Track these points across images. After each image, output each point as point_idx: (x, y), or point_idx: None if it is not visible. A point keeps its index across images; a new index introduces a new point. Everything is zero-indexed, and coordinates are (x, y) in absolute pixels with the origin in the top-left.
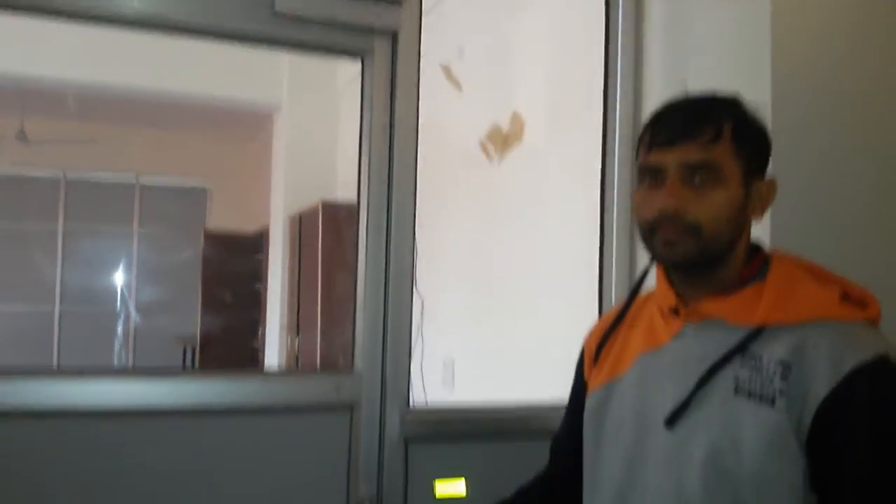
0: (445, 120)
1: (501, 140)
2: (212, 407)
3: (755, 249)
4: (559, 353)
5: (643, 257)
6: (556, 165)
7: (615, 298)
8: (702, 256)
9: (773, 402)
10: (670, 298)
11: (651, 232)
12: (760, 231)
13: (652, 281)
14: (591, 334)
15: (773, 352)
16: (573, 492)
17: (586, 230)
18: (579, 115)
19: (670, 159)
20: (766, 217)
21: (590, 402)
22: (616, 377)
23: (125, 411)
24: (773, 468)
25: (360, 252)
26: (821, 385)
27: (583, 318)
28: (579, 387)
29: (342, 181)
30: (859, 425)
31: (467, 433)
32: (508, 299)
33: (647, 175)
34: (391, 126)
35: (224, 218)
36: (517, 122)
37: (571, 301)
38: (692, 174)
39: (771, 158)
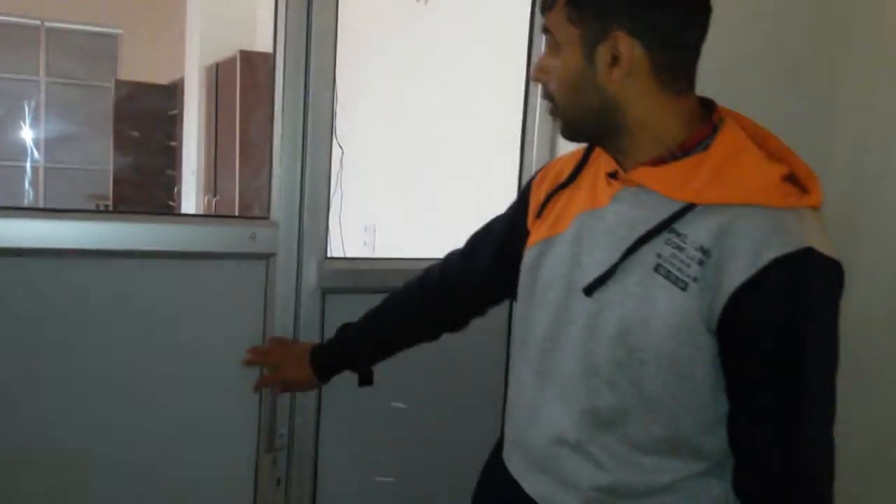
0: None
1: None
2: (123, 249)
3: (709, 111)
4: (481, 218)
5: None
6: (485, 15)
7: (535, 163)
8: (575, 128)
9: (685, 287)
10: (610, 162)
11: None
12: None
13: None
14: (543, 181)
15: (697, 233)
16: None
17: (512, 87)
18: None
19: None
20: None
21: (526, 257)
22: (554, 234)
23: (35, 250)
24: (677, 352)
25: (276, 100)
26: (736, 275)
27: (504, 183)
28: (515, 220)
29: (262, 30)
30: (769, 309)
31: (385, 285)
32: (431, 160)
33: None
34: None
35: (137, 67)
36: None
37: (495, 164)
38: (548, 40)
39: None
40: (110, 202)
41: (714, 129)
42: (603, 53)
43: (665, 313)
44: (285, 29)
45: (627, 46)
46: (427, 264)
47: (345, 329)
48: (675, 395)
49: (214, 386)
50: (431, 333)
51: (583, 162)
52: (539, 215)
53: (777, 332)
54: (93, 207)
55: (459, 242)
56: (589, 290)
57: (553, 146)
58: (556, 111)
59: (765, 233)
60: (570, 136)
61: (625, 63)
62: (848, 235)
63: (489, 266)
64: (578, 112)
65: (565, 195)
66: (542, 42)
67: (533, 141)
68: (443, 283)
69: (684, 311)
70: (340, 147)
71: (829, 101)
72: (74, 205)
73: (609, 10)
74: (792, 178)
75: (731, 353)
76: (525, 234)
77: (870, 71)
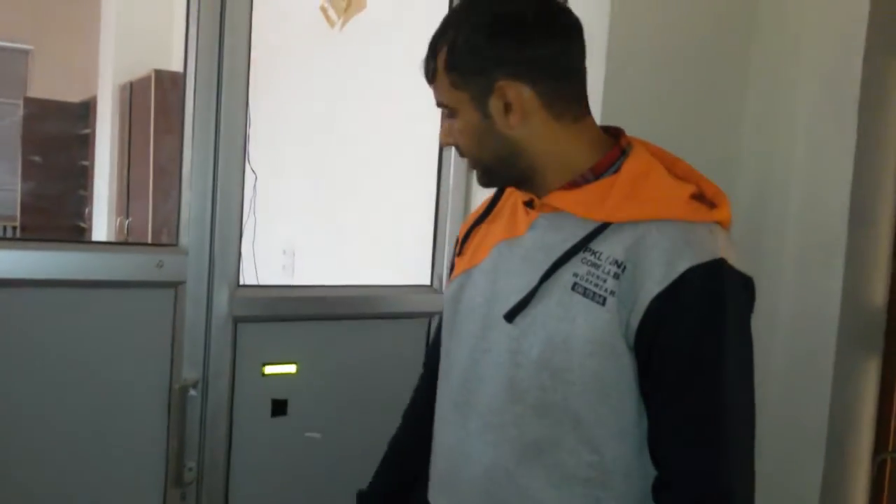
0: None
1: (344, 5)
2: (30, 278)
3: (616, 138)
4: (400, 239)
5: None
6: (400, 38)
7: (452, 189)
8: (490, 177)
9: (603, 301)
10: (525, 192)
11: None
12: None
13: None
14: (462, 227)
15: (612, 249)
16: None
17: (429, 112)
18: None
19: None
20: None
21: (447, 290)
22: (473, 265)
23: None
24: (600, 369)
25: (186, 121)
26: (651, 286)
27: (422, 206)
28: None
29: (177, 49)
30: (685, 317)
31: (300, 312)
32: (350, 186)
33: None
34: None
35: (47, 84)
36: None
37: (413, 190)
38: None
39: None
40: (18, 224)
41: (623, 153)
42: (495, 105)
43: (585, 329)
44: (196, 48)
45: (515, 91)
46: (346, 292)
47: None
48: (600, 416)
49: (122, 418)
50: None
51: (497, 196)
52: (459, 253)
53: (693, 340)
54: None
55: (380, 266)
56: (510, 316)
57: (468, 173)
58: (472, 164)
59: (677, 244)
60: (487, 183)
61: (517, 107)
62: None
63: None
64: (491, 162)
65: (482, 229)
66: None
67: (449, 165)
68: (428, 380)
69: (603, 324)
70: (254, 172)
71: (735, 134)
72: None
73: (485, 64)
74: (700, 197)
75: (649, 367)
76: None
77: (768, 103)
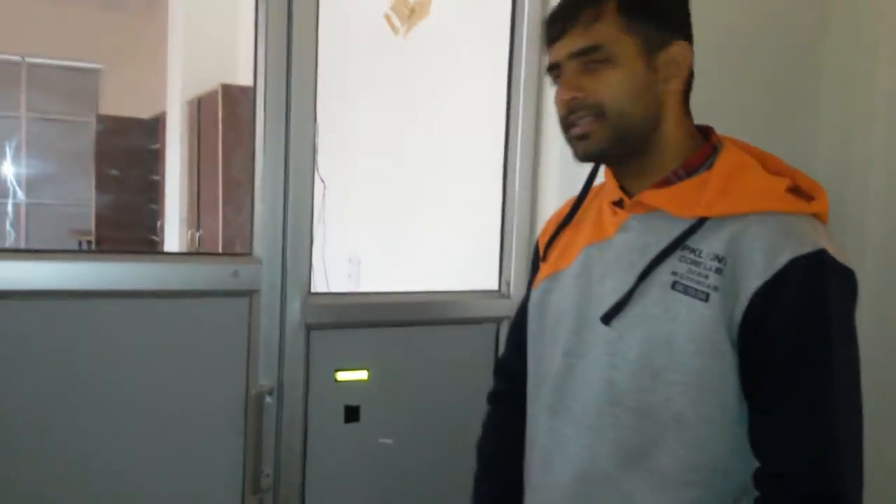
0: None
1: (407, 12)
2: (107, 289)
3: (705, 136)
4: (466, 249)
5: (549, 150)
6: (464, 45)
7: (519, 193)
8: (618, 142)
9: (706, 297)
10: (615, 191)
11: (566, 130)
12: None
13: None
14: (543, 232)
15: (711, 245)
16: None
17: (494, 118)
18: None
19: (561, 52)
20: None
21: (533, 296)
22: (560, 269)
23: (18, 291)
24: (703, 367)
25: (257, 134)
26: (753, 279)
27: (489, 215)
28: (528, 293)
29: (244, 63)
30: (790, 309)
31: (370, 319)
32: (416, 193)
33: (552, 74)
34: None
35: (118, 102)
36: None
37: (479, 196)
38: (585, 61)
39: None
40: (93, 238)
41: (714, 150)
42: (665, 61)
43: (689, 328)
44: (265, 63)
45: (687, 55)
46: (414, 298)
47: None
48: (703, 415)
49: (199, 426)
50: None
51: (581, 197)
52: (544, 259)
53: (799, 332)
54: (75, 244)
55: (445, 274)
56: (607, 319)
57: (535, 178)
58: (594, 126)
59: (778, 236)
60: (600, 151)
61: (682, 72)
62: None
63: None
64: (633, 121)
65: (567, 233)
66: (521, 73)
67: (515, 170)
68: (511, 387)
69: (708, 322)
70: (323, 181)
71: (815, 105)
72: (57, 242)
73: (668, 18)
74: (796, 190)
75: (754, 360)
76: None
77: (848, 74)
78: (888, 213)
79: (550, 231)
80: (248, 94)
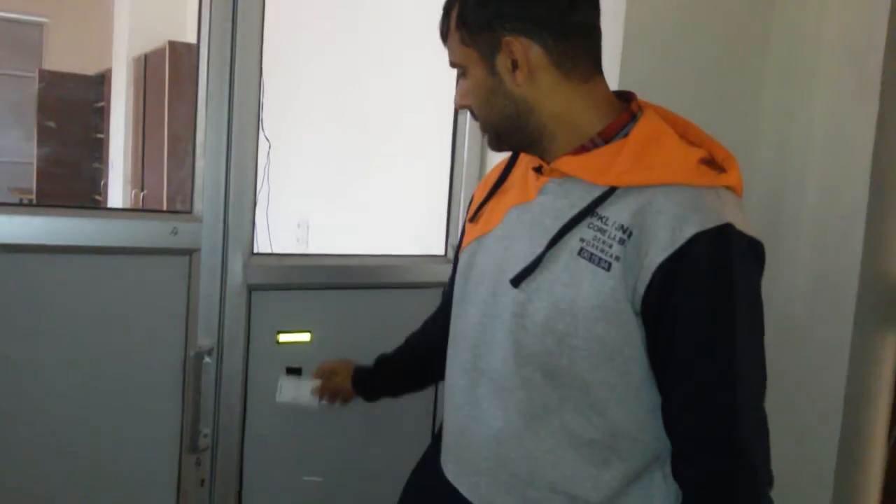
0: None
1: None
2: (44, 244)
3: (627, 101)
4: (413, 211)
5: None
6: (417, 9)
7: (467, 160)
8: (502, 138)
9: (609, 267)
10: (535, 159)
11: None
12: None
13: None
14: (477, 191)
15: (618, 215)
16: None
17: (445, 81)
18: None
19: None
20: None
21: (461, 258)
22: (484, 232)
23: None
24: (605, 334)
25: (200, 87)
26: (657, 253)
27: (436, 177)
28: (460, 244)
29: (192, 21)
30: (693, 284)
31: (315, 281)
32: (366, 158)
33: None
34: None
35: (63, 57)
36: None
37: (426, 160)
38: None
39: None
40: (34, 196)
41: (633, 118)
42: (502, 61)
43: (590, 295)
44: (210, 18)
45: (522, 48)
46: (360, 261)
47: (379, 360)
48: (606, 381)
49: (136, 384)
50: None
51: (511, 163)
52: (473, 219)
53: (702, 307)
54: (15, 201)
55: (393, 239)
56: (516, 281)
57: (483, 144)
58: (482, 127)
59: (683, 209)
60: (497, 146)
61: (524, 64)
62: (773, 233)
63: None
64: (499, 123)
65: (496, 197)
66: None
67: (464, 136)
68: (430, 338)
69: (609, 290)
70: (268, 140)
71: (754, 105)
72: None
73: (493, 19)
74: (710, 161)
75: (658, 335)
76: None
77: (787, 75)
78: (824, 192)
79: (483, 193)
80: (195, 51)
